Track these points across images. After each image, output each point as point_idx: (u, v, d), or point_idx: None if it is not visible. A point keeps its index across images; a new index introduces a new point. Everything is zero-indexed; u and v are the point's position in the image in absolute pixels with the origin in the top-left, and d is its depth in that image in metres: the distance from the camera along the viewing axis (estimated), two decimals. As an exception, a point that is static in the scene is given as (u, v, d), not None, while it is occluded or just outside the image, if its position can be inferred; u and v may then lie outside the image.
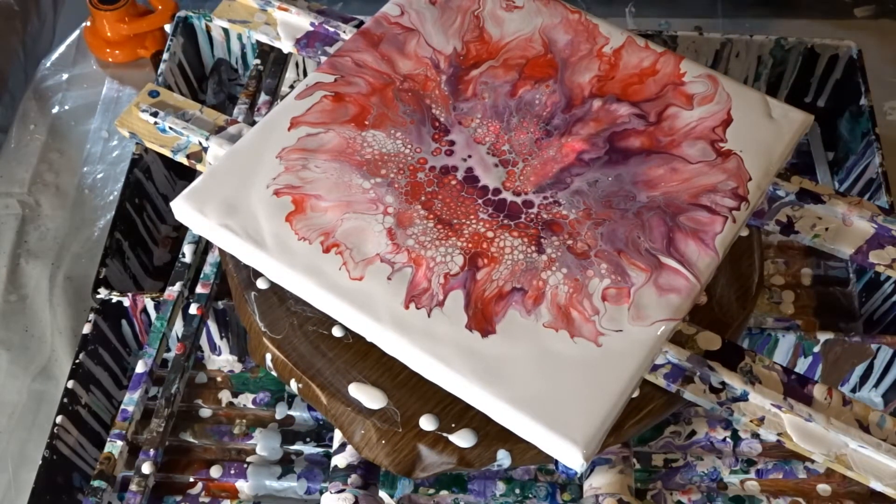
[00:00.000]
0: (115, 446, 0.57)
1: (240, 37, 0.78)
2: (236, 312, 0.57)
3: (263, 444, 0.62)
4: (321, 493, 0.60)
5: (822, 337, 0.61)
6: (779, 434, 0.49)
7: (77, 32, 0.85)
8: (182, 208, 0.52)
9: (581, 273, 0.51)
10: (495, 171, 0.55)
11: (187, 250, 0.64)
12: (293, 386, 0.53)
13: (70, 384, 0.60)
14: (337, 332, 0.53)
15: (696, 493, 0.60)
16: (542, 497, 0.60)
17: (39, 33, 0.86)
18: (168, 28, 0.79)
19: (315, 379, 0.52)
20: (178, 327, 0.62)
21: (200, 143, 0.59)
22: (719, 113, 0.57)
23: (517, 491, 0.60)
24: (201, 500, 0.61)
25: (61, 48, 0.84)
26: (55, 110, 0.80)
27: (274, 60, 0.71)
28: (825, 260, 0.70)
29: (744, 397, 0.50)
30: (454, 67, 0.59)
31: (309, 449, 0.62)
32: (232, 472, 0.61)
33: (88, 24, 0.83)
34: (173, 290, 0.62)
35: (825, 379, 0.63)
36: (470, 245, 0.51)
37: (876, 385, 0.64)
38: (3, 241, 0.72)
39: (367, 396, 0.51)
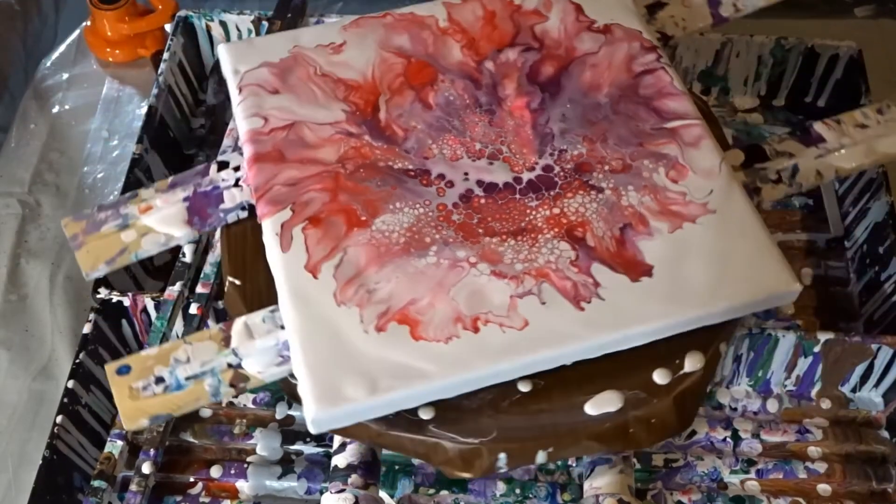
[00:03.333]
0: (115, 446, 0.57)
1: (240, 36, 0.78)
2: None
3: (263, 444, 0.62)
4: (321, 493, 0.60)
5: (823, 337, 0.61)
6: None
7: (77, 32, 0.85)
8: (328, 415, 0.47)
9: (641, 179, 0.54)
10: (496, 167, 0.55)
11: (187, 250, 0.64)
12: None
13: (70, 384, 0.60)
14: None
15: (696, 492, 0.60)
16: (542, 497, 0.60)
17: (40, 33, 0.86)
18: (168, 28, 0.79)
19: None
20: (179, 327, 0.62)
21: (230, 364, 0.50)
22: (568, 7, 0.62)
23: (517, 491, 0.60)
24: (201, 500, 0.61)
25: (61, 48, 0.84)
26: (55, 110, 0.80)
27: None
28: (825, 260, 0.70)
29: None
30: (363, 124, 0.57)
31: (309, 449, 0.62)
32: (232, 472, 0.61)
33: (89, 23, 0.83)
34: (173, 290, 0.62)
35: (825, 379, 0.63)
36: (556, 230, 0.52)
37: (876, 385, 0.64)
38: (3, 240, 0.72)
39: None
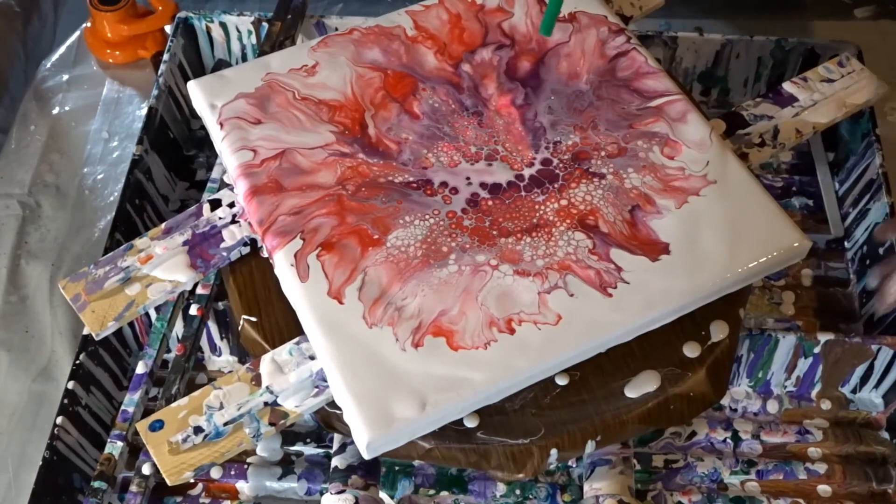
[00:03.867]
0: (115, 447, 0.57)
1: (240, 37, 0.78)
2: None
3: (264, 445, 0.62)
4: (321, 493, 0.60)
5: (823, 338, 0.61)
6: None
7: (77, 33, 0.85)
8: (382, 439, 0.47)
9: (638, 160, 0.55)
10: (496, 167, 0.55)
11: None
12: None
13: (70, 385, 0.60)
14: None
15: (696, 493, 0.60)
16: (542, 498, 0.60)
17: (40, 34, 0.86)
18: (168, 29, 0.80)
19: None
20: (179, 328, 0.62)
21: (266, 403, 0.50)
22: (531, 0, 0.63)
23: (517, 492, 0.60)
24: (201, 500, 0.61)
25: (61, 49, 0.84)
26: (55, 111, 0.80)
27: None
28: (825, 261, 0.70)
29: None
30: (354, 142, 0.56)
31: (309, 450, 0.62)
32: (232, 472, 0.61)
33: (89, 24, 0.83)
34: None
35: (825, 380, 0.63)
36: (568, 221, 0.53)
37: (876, 386, 0.64)
38: (3, 241, 0.72)
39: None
